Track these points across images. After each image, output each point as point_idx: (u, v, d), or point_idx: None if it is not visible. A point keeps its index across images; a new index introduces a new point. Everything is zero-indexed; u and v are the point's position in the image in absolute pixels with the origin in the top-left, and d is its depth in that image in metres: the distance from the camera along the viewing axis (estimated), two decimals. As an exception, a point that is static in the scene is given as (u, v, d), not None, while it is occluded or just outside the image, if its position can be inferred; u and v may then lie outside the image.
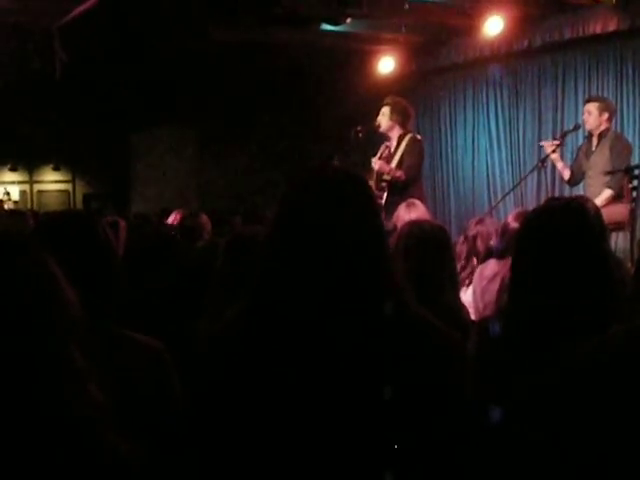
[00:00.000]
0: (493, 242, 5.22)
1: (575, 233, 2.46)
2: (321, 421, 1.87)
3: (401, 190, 7.64)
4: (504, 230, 4.75)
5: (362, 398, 1.87)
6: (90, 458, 1.58)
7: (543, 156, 8.34)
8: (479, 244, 5.27)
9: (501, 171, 11.14)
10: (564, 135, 8.25)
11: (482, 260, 5.11)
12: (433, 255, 3.31)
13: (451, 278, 3.40)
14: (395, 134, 8.00)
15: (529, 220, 2.61)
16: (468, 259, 5.22)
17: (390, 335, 1.91)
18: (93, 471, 1.58)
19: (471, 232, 5.37)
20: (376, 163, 7.87)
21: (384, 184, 7.82)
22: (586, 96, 9.59)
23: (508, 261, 4.26)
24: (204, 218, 6.42)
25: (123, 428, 1.66)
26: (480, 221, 5.55)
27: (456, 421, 1.96)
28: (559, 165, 8.28)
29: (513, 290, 2.53)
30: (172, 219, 7.25)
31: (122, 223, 4.67)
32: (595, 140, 8.01)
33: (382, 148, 8.07)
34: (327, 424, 1.86)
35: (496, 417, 2.32)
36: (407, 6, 8.84)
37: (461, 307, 3.51)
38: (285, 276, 1.95)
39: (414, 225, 3.51)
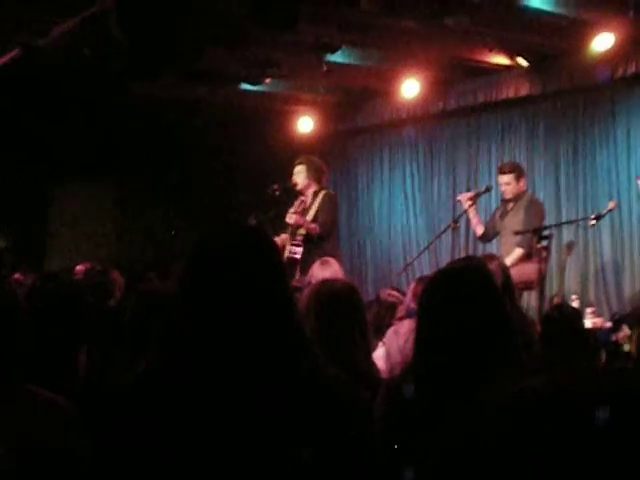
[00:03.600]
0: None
1: (473, 293, 2.55)
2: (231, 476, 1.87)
3: (316, 245, 7.74)
4: (413, 293, 4.86)
5: (270, 456, 1.87)
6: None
7: (457, 216, 8.50)
8: None
9: (416, 231, 11.28)
10: (476, 196, 8.40)
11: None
12: (343, 314, 3.34)
13: (362, 336, 3.43)
14: (310, 191, 8.12)
15: (430, 281, 2.72)
16: None
17: (298, 392, 1.93)
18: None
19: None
20: (291, 217, 7.97)
21: (299, 239, 7.91)
22: (499, 157, 9.86)
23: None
24: (115, 275, 6.38)
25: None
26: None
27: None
28: (474, 221, 8.43)
29: (417, 349, 2.60)
30: (78, 272, 7.18)
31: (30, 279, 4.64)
32: (511, 202, 8.18)
33: (297, 202, 8.16)
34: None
35: (409, 478, 2.36)
36: (325, 68, 8.98)
37: (372, 366, 3.53)
38: (191, 333, 1.97)
39: (324, 284, 3.55)
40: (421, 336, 2.61)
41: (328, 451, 1.90)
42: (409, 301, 5.06)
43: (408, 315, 4.96)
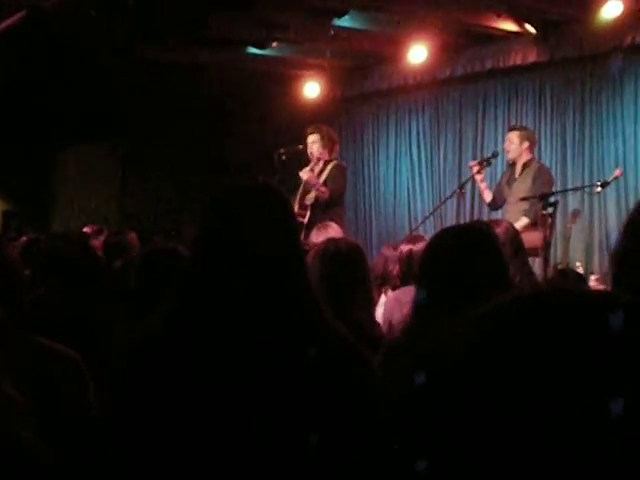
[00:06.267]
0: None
1: (468, 250, 2.63)
2: (237, 428, 1.88)
3: (323, 211, 7.76)
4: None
5: (278, 409, 1.89)
6: (2, 449, 1.59)
7: (463, 182, 8.49)
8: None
9: (422, 196, 11.30)
10: (482, 162, 8.40)
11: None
12: (345, 271, 3.37)
13: (364, 295, 3.45)
14: (322, 160, 8.13)
15: (431, 240, 2.83)
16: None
17: (307, 349, 1.94)
18: (5, 463, 1.59)
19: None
20: (305, 172, 7.97)
21: (307, 204, 7.93)
22: (506, 125, 9.81)
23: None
24: (131, 236, 6.41)
25: (38, 428, 1.67)
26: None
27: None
28: (482, 186, 8.42)
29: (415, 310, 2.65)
30: (89, 234, 7.20)
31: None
32: (519, 169, 8.17)
33: (314, 161, 8.16)
34: (244, 432, 1.88)
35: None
36: (332, 32, 8.94)
37: (374, 323, 3.56)
38: (204, 289, 1.98)
39: (329, 242, 3.58)
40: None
41: (336, 412, 1.92)
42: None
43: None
